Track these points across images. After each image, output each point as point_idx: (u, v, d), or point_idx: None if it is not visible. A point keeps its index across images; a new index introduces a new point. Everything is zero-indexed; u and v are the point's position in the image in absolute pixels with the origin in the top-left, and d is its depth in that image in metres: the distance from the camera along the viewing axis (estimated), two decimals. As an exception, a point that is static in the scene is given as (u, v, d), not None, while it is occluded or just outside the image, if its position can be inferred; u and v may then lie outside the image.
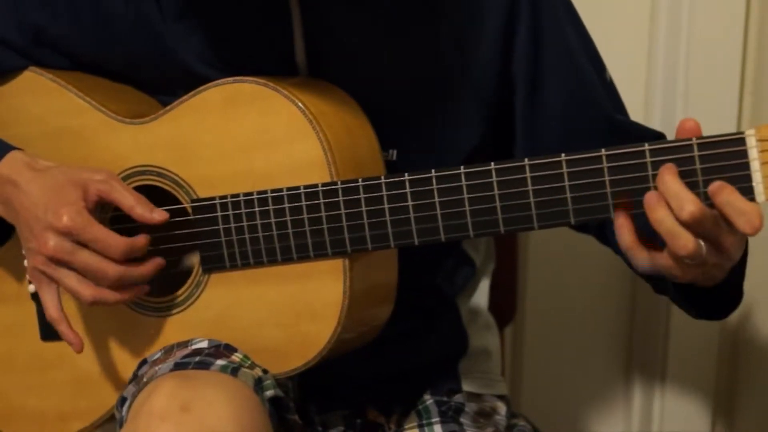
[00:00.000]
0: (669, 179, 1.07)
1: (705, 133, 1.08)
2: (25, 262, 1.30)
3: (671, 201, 1.06)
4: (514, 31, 1.29)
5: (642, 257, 1.11)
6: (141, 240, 1.26)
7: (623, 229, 1.11)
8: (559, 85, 1.31)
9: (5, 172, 1.28)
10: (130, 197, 1.26)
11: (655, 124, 1.74)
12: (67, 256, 1.24)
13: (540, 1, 1.29)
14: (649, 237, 1.12)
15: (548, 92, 1.31)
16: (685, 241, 1.06)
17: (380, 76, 1.30)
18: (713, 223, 1.06)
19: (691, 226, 1.06)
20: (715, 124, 1.61)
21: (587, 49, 1.34)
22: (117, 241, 1.23)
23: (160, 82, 1.35)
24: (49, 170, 1.28)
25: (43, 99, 1.36)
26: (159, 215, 1.26)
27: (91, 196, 1.26)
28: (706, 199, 1.06)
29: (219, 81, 1.26)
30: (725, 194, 1.05)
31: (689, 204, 1.05)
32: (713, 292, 1.19)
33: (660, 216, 1.07)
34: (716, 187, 1.05)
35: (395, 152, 1.30)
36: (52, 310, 1.28)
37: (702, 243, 1.07)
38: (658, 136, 1.31)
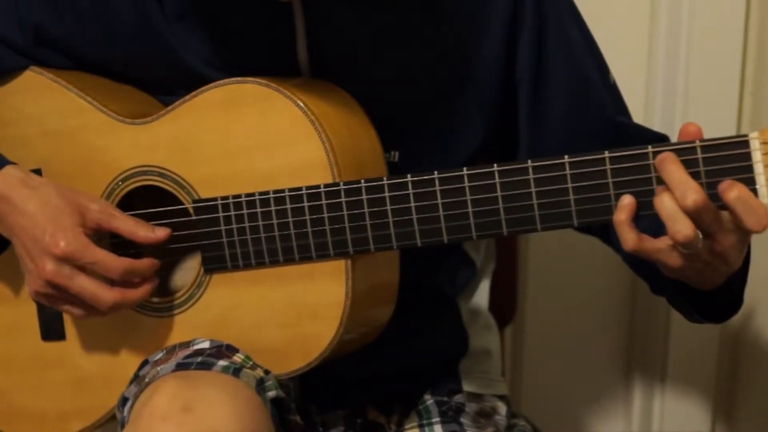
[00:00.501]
0: (672, 168, 1.07)
1: (706, 134, 1.08)
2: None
3: (675, 189, 1.06)
4: (518, 33, 1.29)
5: (630, 237, 1.10)
6: (144, 263, 1.26)
7: (621, 207, 1.10)
8: (563, 87, 1.31)
9: (0, 188, 1.28)
10: (130, 222, 1.27)
11: (655, 125, 1.74)
12: (65, 281, 1.24)
13: (544, 4, 1.29)
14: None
15: (551, 94, 1.31)
16: (683, 226, 1.06)
17: (382, 77, 1.30)
18: (713, 218, 1.06)
19: (692, 215, 1.06)
20: (715, 124, 1.62)
21: (591, 51, 1.34)
22: (117, 263, 1.24)
23: (162, 82, 1.34)
24: (43, 188, 1.28)
25: (44, 99, 1.36)
26: (162, 232, 1.27)
27: (89, 224, 1.26)
28: (712, 201, 1.06)
29: (221, 81, 1.26)
30: (737, 190, 1.05)
31: (693, 192, 1.05)
32: (709, 296, 1.19)
33: (663, 200, 1.07)
34: (727, 183, 1.05)
35: (397, 153, 1.30)
36: (80, 312, 1.28)
37: (699, 233, 1.07)
38: (661, 138, 1.31)
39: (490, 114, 1.33)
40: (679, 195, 1.06)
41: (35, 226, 1.25)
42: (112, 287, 1.25)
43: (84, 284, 1.24)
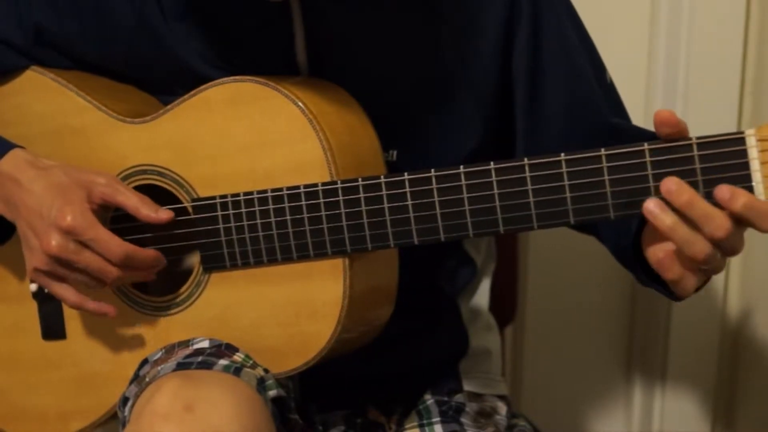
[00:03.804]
0: (692, 198, 1.04)
1: (705, 134, 1.08)
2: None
3: (702, 221, 1.03)
4: (514, 33, 1.29)
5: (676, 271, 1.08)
6: (148, 253, 1.26)
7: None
8: (557, 87, 1.31)
9: (7, 170, 1.29)
10: (135, 198, 1.27)
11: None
12: (72, 255, 1.24)
13: (540, 4, 1.29)
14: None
15: (546, 94, 1.31)
16: (702, 246, 1.04)
17: (381, 76, 1.30)
18: (734, 233, 1.05)
19: (723, 242, 1.04)
20: (715, 124, 1.62)
21: (587, 51, 1.33)
22: (118, 245, 1.24)
23: (162, 81, 1.35)
24: (52, 169, 1.28)
25: (45, 98, 1.36)
26: (165, 214, 1.27)
27: (95, 199, 1.26)
28: (706, 199, 1.05)
29: (219, 80, 1.26)
30: (744, 198, 1.02)
31: (723, 221, 1.03)
32: None
33: (670, 223, 1.05)
34: (730, 192, 1.03)
35: (395, 153, 1.31)
36: (72, 299, 1.28)
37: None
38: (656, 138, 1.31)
39: (487, 113, 1.33)
40: (708, 229, 1.03)
41: (41, 204, 1.25)
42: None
43: (90, 258, 1.24)
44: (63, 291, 1.28)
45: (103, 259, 1.24)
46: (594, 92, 1.32)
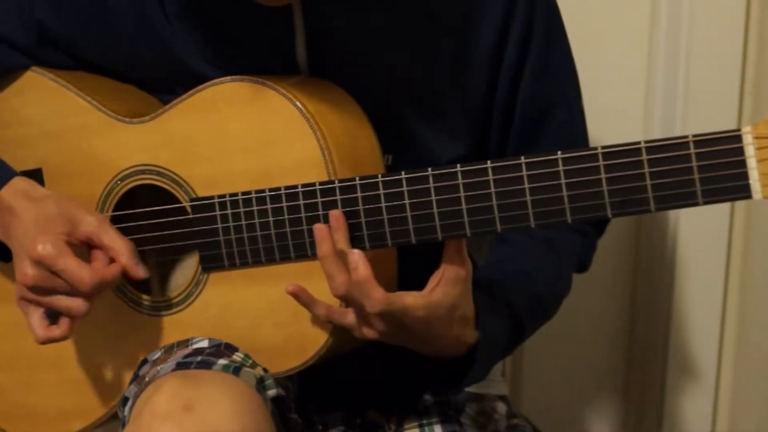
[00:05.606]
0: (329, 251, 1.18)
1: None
2: None
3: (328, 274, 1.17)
4: (507, 41, 1.31)
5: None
6: (112, 271, 1.26)
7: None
8: (525, 103, 1.35)
9: (5, 199, 1.30)
10: (121, 244, 1.27)
11: (654, 125, 1.74)
12: (47, 283, 1.25)
13: (534, 17, 1.31)
14: None
15: (517, 106, 1.35)
16: (336, 284, 1.16)
17: (379, 78, 1.30)
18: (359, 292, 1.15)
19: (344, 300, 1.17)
20: (715, 124, 1.62)
21: (567, 74, 1.38)
22: (88, 276, 1.24)
23: (162, 81, 1.35)
24: (45, 200, 1.29)
25: (44, 99, 1.37)
26: (142, 272, 1.27)
27: (79, 236, 1.27)
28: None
29: (218, 80, 1.26)
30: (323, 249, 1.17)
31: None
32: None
33: (324, 251, 1.17)
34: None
35: (391, 157, 1.31)
36: (39, 332, 1.28)
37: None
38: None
39: (474, 125, 1.34)
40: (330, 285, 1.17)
41: (26, 235, 1.26)
42: (83, 298, 1.25)
43: (62, 287, 1.25)
44: (33, 323, 1.29)
45: (73, 296, 1.25)
46: (556, 117, 1.36)
